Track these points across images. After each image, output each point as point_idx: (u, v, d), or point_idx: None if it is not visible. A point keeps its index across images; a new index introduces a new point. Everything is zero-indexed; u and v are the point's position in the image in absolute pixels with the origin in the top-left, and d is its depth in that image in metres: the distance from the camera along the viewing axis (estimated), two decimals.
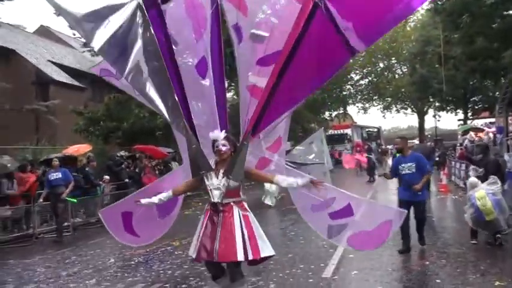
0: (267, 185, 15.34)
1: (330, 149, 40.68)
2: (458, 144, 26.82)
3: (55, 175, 12.17)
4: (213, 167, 5.15)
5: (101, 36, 4.43)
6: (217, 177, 5.02)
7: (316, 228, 5.86)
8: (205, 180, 5.07)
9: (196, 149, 5.00)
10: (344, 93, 57.03)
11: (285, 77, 4.37)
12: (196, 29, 5.09)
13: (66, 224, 13.09)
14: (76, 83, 29.61)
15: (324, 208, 5.36)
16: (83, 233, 12.89)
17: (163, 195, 5.23)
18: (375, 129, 54.01)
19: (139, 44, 4.62)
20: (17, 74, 26.32)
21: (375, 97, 58.65)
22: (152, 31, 4.64)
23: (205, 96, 5.29)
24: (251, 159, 5.35)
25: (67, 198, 12.41)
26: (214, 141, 5.08)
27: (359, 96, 58.92)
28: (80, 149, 17.07)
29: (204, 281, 7.08)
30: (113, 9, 4.57)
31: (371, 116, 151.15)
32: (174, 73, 4.91)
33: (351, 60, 55.96)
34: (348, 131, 47.76)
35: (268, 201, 15.83)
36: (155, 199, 5.20)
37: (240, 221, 4.93)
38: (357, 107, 59.94)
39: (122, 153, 18.57)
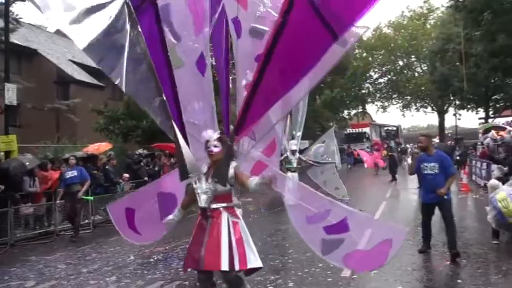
0: None
1: (347, 147, 40.61)
2: (479, 143, 26.47)
3: (71, 173, 12.08)
4: (206, 169, 4.90)
5: (86, 34, 4.23)
6: (207, 181, 4.78)
7: (310, 243, 5.40)
8: (194, 183, 4.85)
9: (182, 152, 4.70)
10: (363, 91, 56.70)
11: (266, 72, 4.13)
12: (196, 23, 4.85)
13: (86, 221, 13.25)
14: (96, 82, 29.92)
15: (319, 220, 5.04)
16: (103, 230, 13.00)
17: (176, 214, 5.12)
18: (394, 128, 53.59)
19: (126, 42, 4.35)
20: (39, 74, 26.72)
21: (394, 95, 58.22)
22: (140, 29, 4.34)
23: (205, 95, 5.09)
24: (245, 163, 5.10)
25: (83, 197, 12.37)
26: (207, 141, 4.82)
27: (378, 95, 58.55)
28: (100, 147, 17.22)
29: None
30: (99, 7, 4.34)
31: (390, 115, 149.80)
32: (167, 73, 4.61)
33: (370, 58, 55.75)
34: (367, 130, 47.48)
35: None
36: (172, 217, 5.10)
37: (229, 228, 4.66)
38: (376, 105, 59.60)
39: (141, 151, 18.66)
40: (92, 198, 13.28)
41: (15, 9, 31.03)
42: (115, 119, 24.18)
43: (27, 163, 12.84)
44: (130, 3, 4.32)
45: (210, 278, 4.87)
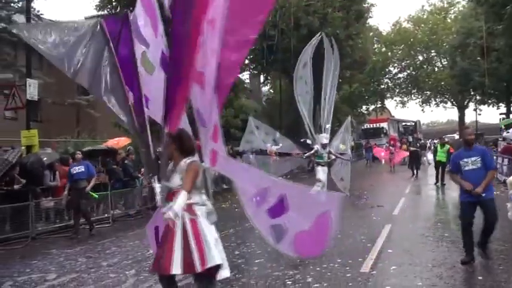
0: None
1: (366, 143, 40.38)
2: (500, 139, 26.11)
3: (78, 169, 11.82)
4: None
5: (71, 62, 4.37)
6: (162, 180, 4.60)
7: (262, 232, 4.92)
8: (153, 183, 4.63)
9: (144, 152, 4.67)
10: (382, 86, 56.32)
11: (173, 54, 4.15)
12: (153, 26, 4.72)
13: (106, 215, 13.38)
14: None
15: (263, 202, 4.65)
16: (122, 224, 13.12)
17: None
18: (412, 123, 53.09)
19: (102, 60, 4.42)
20: (59, 69, 26.95)
21: (413, 91, 57.75)
22: (111, 44, 4.39)
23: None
24: (206, 154, 4.76)
25: (89, 192, 12.22)
26: None
27: (397, 90, 58.12)
28: (119, 142, 17.39)
29: (242, 273, 7.13)
30: (74, 30, 4.42)
31: (409, 110, 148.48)
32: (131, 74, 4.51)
33: (389, 53, 55.28)
34: (384, 125, 47.10)
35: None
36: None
37: (184, 228, 4.34)
38: (395, 100, 59.24)
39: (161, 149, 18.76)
40: (97, 196, 13.05)
41: (36, 5, 31.33)
42: None
43: (45, 158, 13.00)
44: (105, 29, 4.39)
45: (171, 283, 4.66)
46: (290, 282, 6.45)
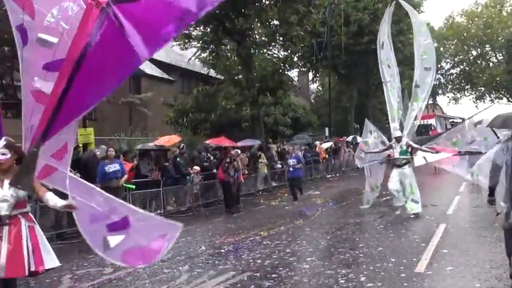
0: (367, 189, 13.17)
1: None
2: None
3: (113, 167, 11.63)
4: None
5: None
6: (2, 188, 4.57)
7: (92, 242, 5.26)
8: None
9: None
10: (433, 82, 54.99)
11: (74, 83, 4.16)
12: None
13: (158, 211, 13.63)
14: (166, 76, 30.66)
15: (102, 219, 5.07)
16: (174, 220, 13.24)
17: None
18: (460, 120, 51.43)
19: None
20: None
21: (467, 87, 56.10)
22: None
23: None
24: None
25: (124, 185, 12.12)
26: None
27: (449, 86, 56.61)
28: (170, 139, 17.65)
29: (294, 271, 7.13)
30: None
31: (462, 107, 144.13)
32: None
33: (441, 49, 53.92)
34: (432, 121, 45.83)
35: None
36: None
37: (27, 234, 4.61)
38: (447, 97, 57.69)
39: (211, 144, 19.02)
40: (133, 186, 12.85)
41: None
42: (184, 112, 24.77)
43: (98, 152, 13.32)
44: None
45: (11, 286, 4.78)
46: (343, 281, 6.40)
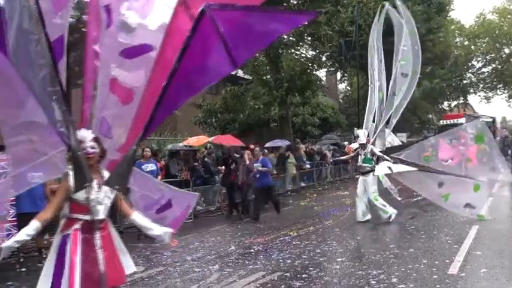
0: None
1: None
2: None
3: (149, 166, 11.59)
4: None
5: None
6: (94, 189, 4.05)
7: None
8: (86, 194, 4.00)
9: (82, 156, 4.00)
10: (464, 81, 54.06)
11: (174, 80, 3.97)
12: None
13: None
14: None
15: (154, 205, 5.09)
16: (203, 220, 13.44)
17: (28, 230, 3.85)
18: (490, 119, 50.36)
19: None
20: None
21: (499, 85, 54.92)
22: None
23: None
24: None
25: None
26: (80, 143, 4.05)
27: (481, 85, 55.50)
28: (199, 140, 17.80)
29: (324, 271, 7.11)
30: None
31: (494, 106, 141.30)
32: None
33: (472, 47, 53.03)
34: (462, 121, 45.03)
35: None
36: (21, 237, 3.86)
37: (116, 236, 4.34)
38: (479, 96, 56.57)
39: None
40: None
41: None
42: (213, 112, 24.92)
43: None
44: None
45: None
46: (374, 282, 6.35)
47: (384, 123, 11.94)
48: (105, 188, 4.08)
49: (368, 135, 11.89)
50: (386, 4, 13.57)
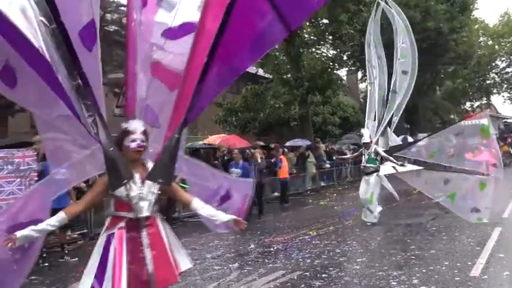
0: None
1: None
2: None
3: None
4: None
5: None
6: (136, 184, 3.76)
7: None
8: (126, 191, 3.72)
9: (115, 151, 3.66)
10: (487, 82, 53.31)
11: (215, 57, 3.44)
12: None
13: None
14: None
15: (214, 196, 4.62)
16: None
17: (52, 221, 3.62)
18: None
19: None
20: None
21: None
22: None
23: (89, 75, 3.58)
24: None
25: (180, 185, 12.34)
26: (126, 134, 3.80)
27: (505, 85, 54.68)
28: (219, 138, 17.87)
29: (344, 271, 7.08)
30: None
31: None
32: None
33: (496, 47, 52.22)
34: (484, 122, 44.23)
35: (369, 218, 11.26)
36: (42, 226, 3.56)
37: (166, 233, 3.97)
38: (502, 96, 55.73)
39: (261, 143, 19.07)
40: (186, 185, 13.22)
41: None
42: (233, 111, 24.98)
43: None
44: None
45: None
46: (395, 283, 6.31)
47: (386, 123, 11.81)
48: (149, 183, 3.78)
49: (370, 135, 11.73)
50: (382, 1, 13.30)
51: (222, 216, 3.93)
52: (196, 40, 3.59)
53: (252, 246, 9.31)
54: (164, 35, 3.94)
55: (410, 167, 11.03)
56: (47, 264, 8.44)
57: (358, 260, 7.78)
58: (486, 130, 10.40)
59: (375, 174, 11.24)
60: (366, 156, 11.46)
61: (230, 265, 7.80)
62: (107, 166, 3.64)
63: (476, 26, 48.03)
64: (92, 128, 3.52)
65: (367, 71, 13.03)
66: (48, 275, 7.57)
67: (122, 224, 3.76)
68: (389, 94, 11.97)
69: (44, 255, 8.65)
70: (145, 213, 3.78)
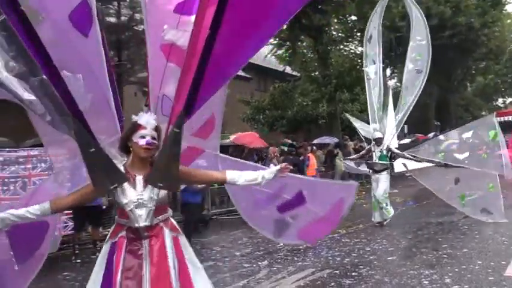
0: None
1: None
2: None
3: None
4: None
5: None
6: (136, 189, 3.28)
7: (261, 229, 4.68)
8: (117, 197, 3.28)
9: (99, 153, 3.17)
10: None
11: (219, 34, 2.89)
12: None
13: (234, 207, 13.85)
14: (243, 73, 31.04)
15: (271, 201, 4.18)
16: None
17: (33, 208, 3.26)
18: None
19: None
20: None
21: None
22: None
23: (90, 64, 3.26)
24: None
25: None
26: (136, 128, 3.29)
27: None
28: (247, 136, 17.88)
29: (374, 270, 7.01)
30: None
31: None
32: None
33: None
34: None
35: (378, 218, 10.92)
36: (20, 212, 3.25)
37: (172, 248, 3.37)
38: None
39: (288, 141, 19.03)
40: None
41: None
42: (261, 109, 25.01)
43: None
44: None
45: None
46: (427, 282, 6.21)
47: (398, 120, 11.47)
48: (151, 187, 3.29)
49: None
50: None
51: (266, 174, 3.50)
52: (199, 15, 3.04)
53: (281, 244, 9.27)
54: (177, 10, 3.41)
55: (421, 163, 10.53)
56: (79, 260, 8.60)
57: (389, 258, 7.70)
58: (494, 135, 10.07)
59: (386, 171, 10.94)
60: (378, 153, 11.01)
61: (259, 263, 7.81)
62: (87, 169, 3.23)
63: (508, 21, 46.93)
64: (63, 127, 3.22)
65: (364, 66, 12.90)
66: (80, 272, 7.70)
67: (123, 232, 3.36)
68: (401, 91, 11.74)
69: (77, 251, 8.82)
70: (142, 222, 3.28)
